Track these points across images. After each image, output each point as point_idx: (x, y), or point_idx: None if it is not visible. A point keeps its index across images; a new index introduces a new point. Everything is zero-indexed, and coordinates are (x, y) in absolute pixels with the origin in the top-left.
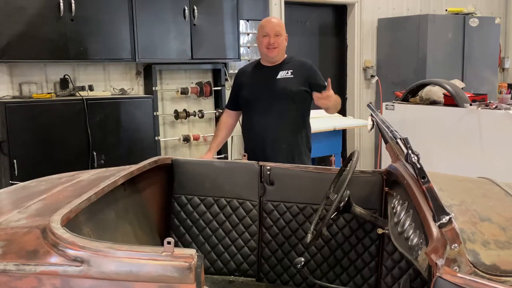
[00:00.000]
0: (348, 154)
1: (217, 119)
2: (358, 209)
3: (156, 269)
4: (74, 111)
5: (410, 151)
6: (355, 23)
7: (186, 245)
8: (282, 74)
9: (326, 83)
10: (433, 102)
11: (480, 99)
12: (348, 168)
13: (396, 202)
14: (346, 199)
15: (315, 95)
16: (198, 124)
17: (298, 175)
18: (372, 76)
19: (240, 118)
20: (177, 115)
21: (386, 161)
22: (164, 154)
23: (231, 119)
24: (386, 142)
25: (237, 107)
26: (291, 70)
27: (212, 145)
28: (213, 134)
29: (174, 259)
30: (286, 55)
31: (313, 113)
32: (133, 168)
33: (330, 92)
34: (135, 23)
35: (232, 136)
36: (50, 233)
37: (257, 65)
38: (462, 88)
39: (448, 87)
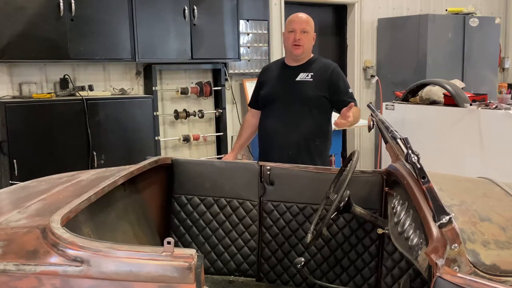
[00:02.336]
0: (348, 154)
1: (217, 119)
2: (358, 209)
3: (156, 269)
4: (74, 111)
5: (410, 151)
6: (355, 23)
7: (186, 245)
8: (301, 76)
9: (350, 90)
10: (433, 102)
11: (480, 99)
12: (348, 168)
13: (396, 202)
14: (346, 199)
15: (341, 113)
16: (198, 124)
17: (298, 175)
18: (372, 76)
19: None
20: (177, 115)
21: (386, 161)
22: (164, 154)
23: (255, 119)
24: (386, 142)
25: (259, 106)
26: (312, 73)
27: (235, 146)
28: (213, 134)
29: (174, 259)
30: (312, 55)
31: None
32: (133, 168)
33: (349, 113)
34: (135, 23)
35: (232, 136)
36: (50, 233)
37: (281, 63)
38: (462, 88)
39: (448, 87)
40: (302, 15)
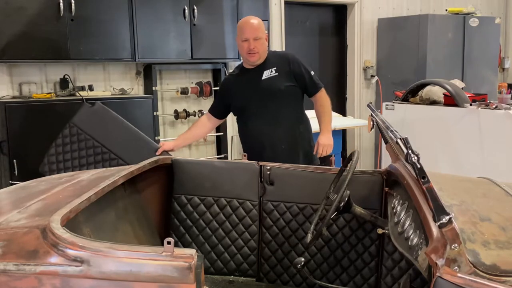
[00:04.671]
0: (348, 154)
1: None
2: (358, 209)
3: (156, 269)
4: (74, 111)
5: (410, 151)
6: (355, 23)
7: (186, 245)
8: (266, 74)
9: (312, 73)
10: (433, 102)
11: (480, 99)
12: (348, 168)
13: (396, 202)
14: (346, 199)
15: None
16: None
17: (298, 175)
18: (372, 76)
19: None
20: (177, 115)
21: (386, 161)
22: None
23: (210, 123)
24: (386, 142)
25: (218, 115)
26: (275, 68)
27: (180, 136)
28: (213, 134)
29: (174, 259)
30: (267, 52)
31: (312, 113)
32: (133, 168)
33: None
34: (135, 23)
35: (232, 136)
36: (50, 233)
37: (241, 70)
38: (462, 88)
39: (448, 87)
40: (253, 22)
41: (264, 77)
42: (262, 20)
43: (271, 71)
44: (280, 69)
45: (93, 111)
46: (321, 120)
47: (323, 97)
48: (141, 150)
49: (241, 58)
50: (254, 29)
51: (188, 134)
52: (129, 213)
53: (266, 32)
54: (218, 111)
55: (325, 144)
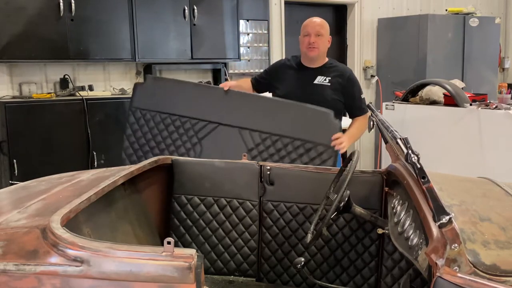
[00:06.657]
0: (348, 154)
1: None
2: (358, 209)
3: (156, 269)
4: (74, 111)
5: (410, 151)
6: (355, 23)
7: (186, 245)
8: (319, 80)
9: (362, 96)
10: (433, 102)
11: (480, 99)
12: (348, 168)
13: (396, 202)
14: (346, 199)
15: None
16: None
17: (298, 175)
18: (372, 76)
19: None
20: None
21: (386, 161)
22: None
23: (251, 87)
24: (386, 142)
25: (257, 87)
26: (329, 78)
27: (239, 80)
28: None
29: (174, 259)
30: (327, 59)
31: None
32: (133, 168)
33: (341, 139)
34: (135, 23)
35: None
36: (50, 233)
37: (297, 64)
38: (462, 88)
39: (448, 87)
40: (316, 19)
41: (316, 81)
42: (262, 20)
43: (325, 79)
44: (334, 81)
45: (146, 87)
46: (350, 129)
47: (362, 122)
48: (206, 101)
49: (301, 54)
50: (317, 25)
51: (243, 83)
52: (129, 213)
53: (330, 36)
54: (259, 83)
55: (341, 138)
